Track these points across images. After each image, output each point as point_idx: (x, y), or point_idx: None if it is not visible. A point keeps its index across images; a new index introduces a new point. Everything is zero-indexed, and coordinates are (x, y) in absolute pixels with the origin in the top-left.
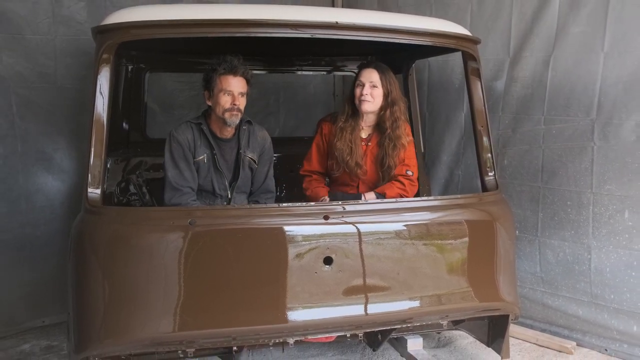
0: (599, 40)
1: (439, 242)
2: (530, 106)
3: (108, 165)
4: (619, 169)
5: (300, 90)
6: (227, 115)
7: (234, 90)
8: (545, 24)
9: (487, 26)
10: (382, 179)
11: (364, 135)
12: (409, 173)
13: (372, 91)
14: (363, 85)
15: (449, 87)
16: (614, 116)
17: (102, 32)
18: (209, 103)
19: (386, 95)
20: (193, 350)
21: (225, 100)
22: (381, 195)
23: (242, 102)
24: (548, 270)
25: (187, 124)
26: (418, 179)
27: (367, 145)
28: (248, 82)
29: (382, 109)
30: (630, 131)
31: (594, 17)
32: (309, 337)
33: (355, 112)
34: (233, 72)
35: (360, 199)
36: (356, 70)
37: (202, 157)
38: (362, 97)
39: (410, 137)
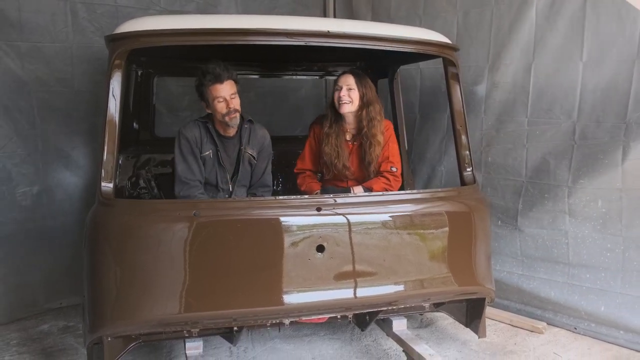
0: (578, 51)
1: (422, 231)
2: (514, 109)
3: (120, 162)
4: (592, 164)
5: (292, 94)
6: (227, 119)
7: (225, 95)
8: (524, 35)
9: (471, 36)
10: (367, 175)
11: (348, 137)
12: (394, 170)
13: (349, 93)
14: (341, 89)
15: (437, 92)
16: (592, 119)
17: (115, 40)
18: (209, 111)
19: (362, 97)
20: (197, 330)
21: (221, 107)
22: (368, 190)
23: (236, 103)
24: (528, 254)
25: (195, 122)
26: (402, 174)
27: (352, 144)
28: (236, 82)
29: (359, 109)
30: (605, 132)
31: (571, 29)
32: (303, 318)
33: (338, 117)
34: (219, 80)
35: (350, 192)
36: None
37: (207, 152)
38: (341, 100)
39: (392, 135)
